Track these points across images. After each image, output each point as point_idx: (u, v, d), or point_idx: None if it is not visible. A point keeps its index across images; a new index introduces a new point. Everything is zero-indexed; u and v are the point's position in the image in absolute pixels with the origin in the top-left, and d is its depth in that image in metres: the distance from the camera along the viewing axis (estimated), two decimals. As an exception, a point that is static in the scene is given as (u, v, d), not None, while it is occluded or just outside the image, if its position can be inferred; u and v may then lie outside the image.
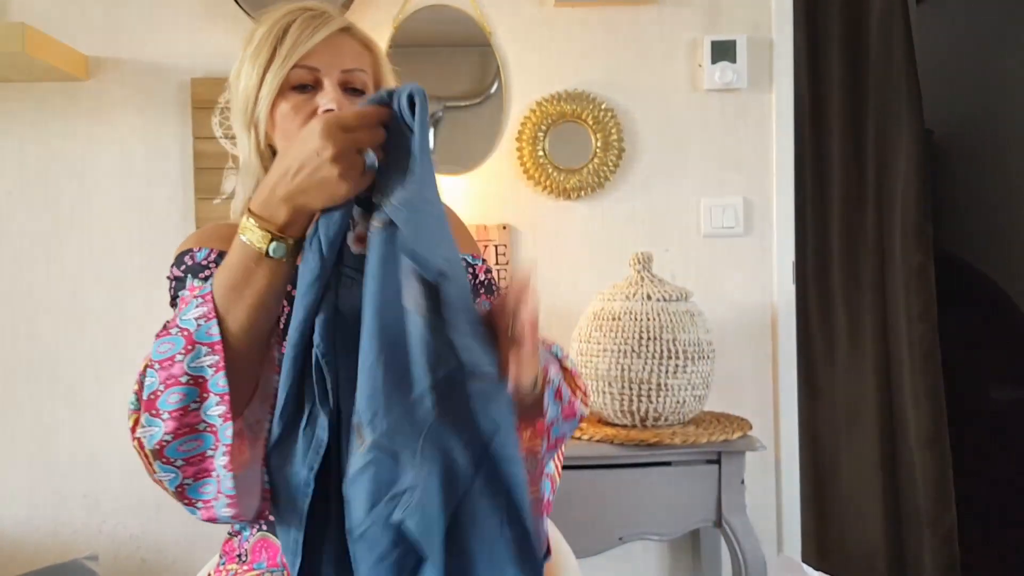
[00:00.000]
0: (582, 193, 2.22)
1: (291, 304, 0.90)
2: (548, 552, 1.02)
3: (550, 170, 2.21)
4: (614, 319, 1.86)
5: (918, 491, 2.35)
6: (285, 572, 1.01)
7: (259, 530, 1.06)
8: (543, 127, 2.21)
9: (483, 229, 2.20)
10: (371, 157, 0.87)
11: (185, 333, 0.87)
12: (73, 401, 2.17)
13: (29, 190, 2.17)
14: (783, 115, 2.25)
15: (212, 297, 0.88)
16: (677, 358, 1.82)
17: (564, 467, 1.33)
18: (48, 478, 2.18)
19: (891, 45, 2.37)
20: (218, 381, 0.86)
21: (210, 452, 0.88)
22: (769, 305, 2.27)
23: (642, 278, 1.92)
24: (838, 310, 2.41)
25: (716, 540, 2.18)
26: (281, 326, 0.96)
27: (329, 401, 0.87)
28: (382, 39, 2.17)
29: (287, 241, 0.87)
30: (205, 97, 2.14)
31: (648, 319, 1.84)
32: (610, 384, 1.85)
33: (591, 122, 2.21)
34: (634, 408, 1.85)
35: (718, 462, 1.87)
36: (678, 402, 1.85)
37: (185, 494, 0.91)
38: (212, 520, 0.92)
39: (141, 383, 0.91)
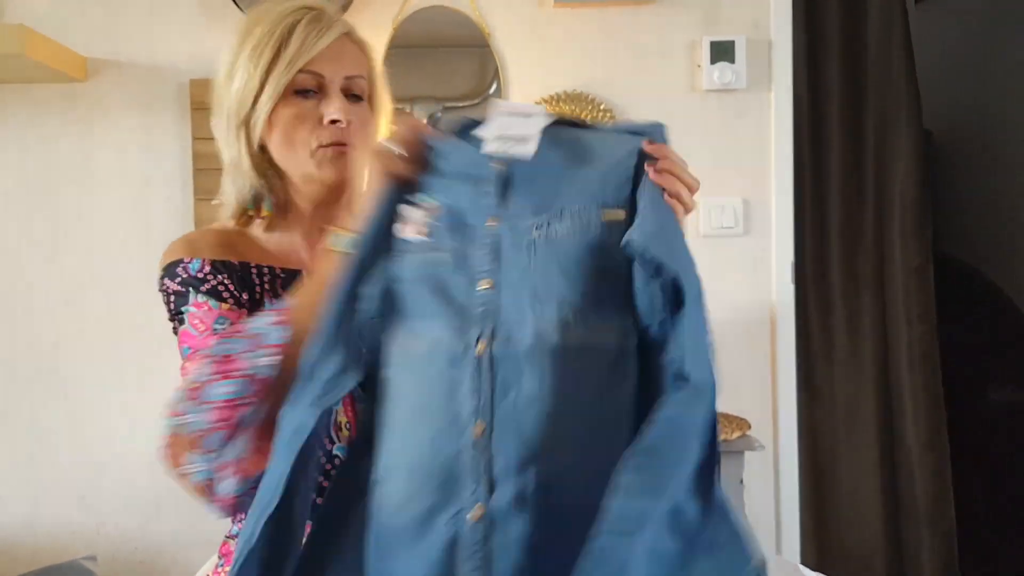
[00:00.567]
0: (581, 194, 2.22)
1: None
2: None
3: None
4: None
5: (917, 491, 2.35)
6: None
7: None
8: (542, 128, 2.20)
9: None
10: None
11: (253, 336, 0.90)
12: (72, 402, 2.17)
13: (28, 191, 2.17)
14: (782, 115, 2.25)
15: (290, 312, 0.91)
16: (676, 359, 1.82)
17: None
18: (47, 479, 2.18)
19: (890, 45, 2.37)
20: (276, 333, 0.89)
21: (242, 401, 0.88)
22: (768, 305, 2.27)
23: (641, 279, 1.92)
24: (837, 310, 2.41)
25: (715, 540, 2.18)
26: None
27: (360, 363, 0.87)
28: (381, 40, 2.17)
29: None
30: (204, 98, 2.12)
31: (647, 320, 1.84)
32: (609, 385, 1.84)
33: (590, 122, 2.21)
34: (633, 409, 1.84)
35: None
36: (677, 403, 1.84)
37: (212, 489, 0.89)
38: (228, 506, 0.91)
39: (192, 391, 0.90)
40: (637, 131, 0.91)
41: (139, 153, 2.18)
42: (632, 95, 2.24)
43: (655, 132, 0.91)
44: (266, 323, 0.91)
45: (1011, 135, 3.09)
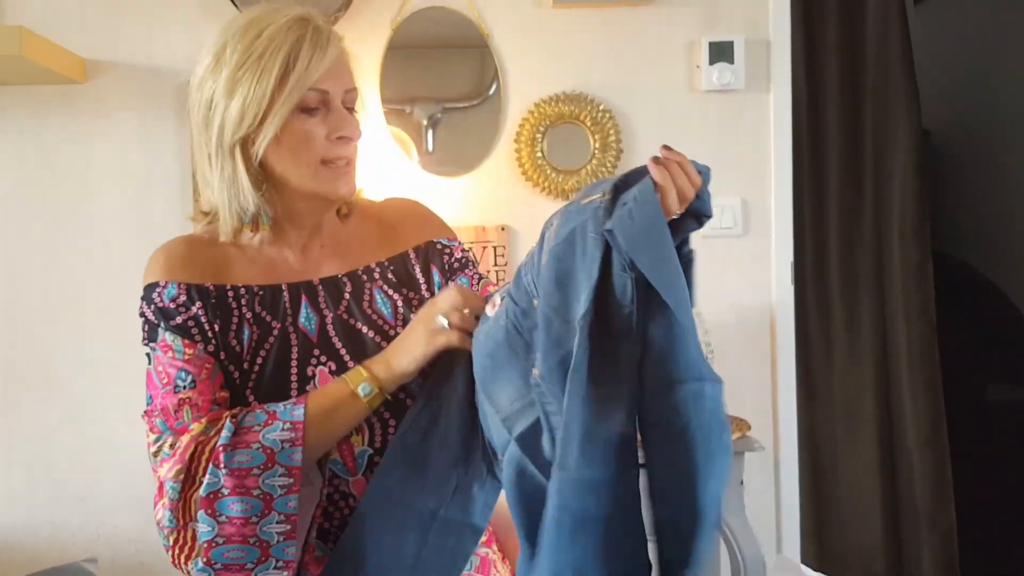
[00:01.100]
0: (580, 194, 2.22)
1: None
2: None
3: (548, 171, 2.22)
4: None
5: (916, 490, 2.35)
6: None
7: None
8: (541, 128, 2.21)
9: (481, 230, 2.20)
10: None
11: (268, 452, 0.94)
12: (71, 404, 2.17)
13: (27, 193, 2.17)
14: (781, 116, 2.25)
15: (304, 427, 0.96)
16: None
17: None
18: (47, 481, 2.18)
19: (888, 46, 2.37)
20: (287, 502, 0.94)
21: (250, 565, 0.94)
22: (767, 305, 2.27)
23: (641, 279, 1.92)
24: (836, 310, 2.41)
25: (715, 541, 2.19)
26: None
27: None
28: (380, 41, 2.17)
29: (377, 388, 0.99)
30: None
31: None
32: (609, 385, 1.85)
33: (589, 123, 2.21)
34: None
35: (717, 463, 1.87)
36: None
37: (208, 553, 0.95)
38: None
39: (185, 460, 0.95)
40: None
41: (138, 154, 2.17)
42: (631, 96, 2.24)
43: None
44: (280, 438, 0.95)
45: (1009, 135, 3.09)
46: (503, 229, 2.21)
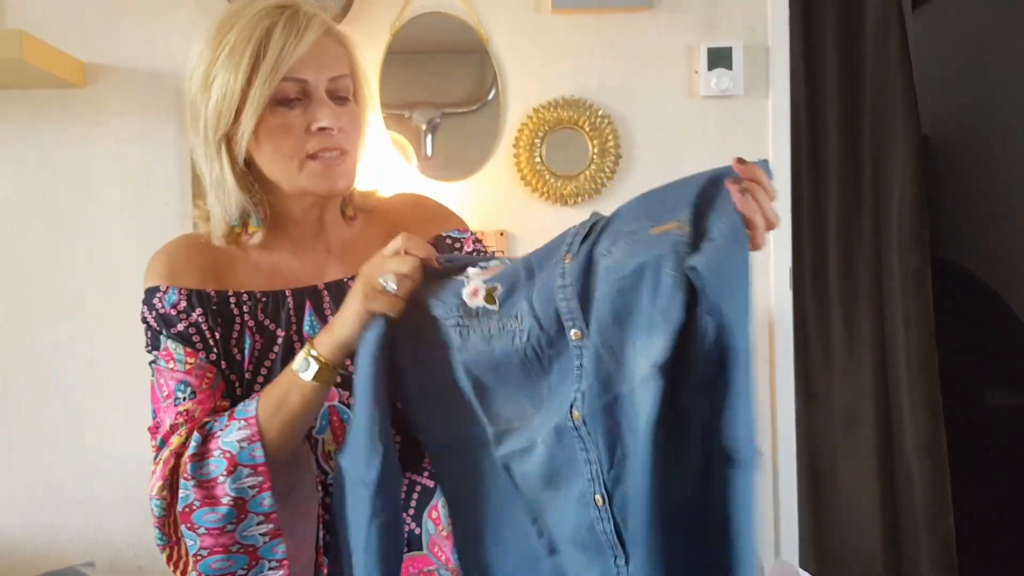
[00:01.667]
0: (579, 199, 2.22)
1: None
2: None
3: (547, 176, 2.22)
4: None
5: (915, 496, 2.35)
6: None
7: None
8: (540, 134, 2.21)
9: (480, 235, 2.19)
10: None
11: (227, 455, 0.90)
12: (71, 407, 2.17)
13: (27, 196, 2.17)
14: (779, 121, 2.25)
15: (257, 421, 0.91)
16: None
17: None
18: (45, 484, 2.17)
19: (887, 51, 2.38)
20: (262, 501, 0.90)
21: (241, 571, 0.92)
22: (766, 310, 2.27)
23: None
24: (835, 315, 2.41)
25: (714, 546, 2.18)
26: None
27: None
28: (379, 46, 2.17)
29: (319, 363, 0.91)
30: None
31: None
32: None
33: (588, 128, 2.22)
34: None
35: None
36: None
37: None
38: None
39: (166, 475, 0.93)
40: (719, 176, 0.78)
41: (138, 158, 2.18)
42: (630, 101, 2.24)
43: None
44: (236, 439, 0.90)
45: (1008, 140, 3.10)
46: (502, 234, 2.21)
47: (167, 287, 0.99)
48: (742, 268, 0.73)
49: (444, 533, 1.04)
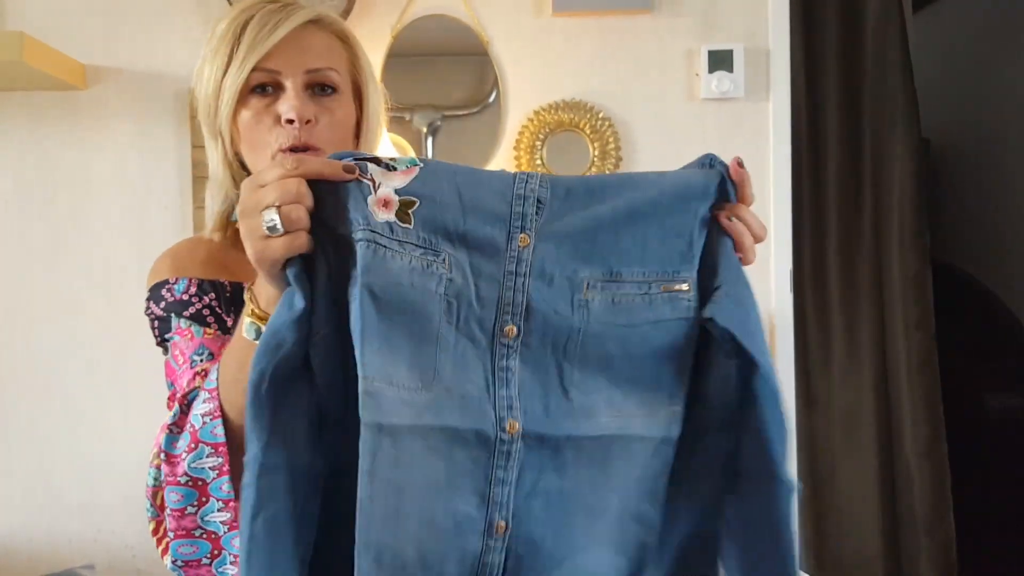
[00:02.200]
0: (579, 202, 2.22)
1: None
2: None
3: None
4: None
5: (916, 499, 2.35)
6: None
7: None
8: (541, 136, 2.21)
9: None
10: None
11: (191, 429, 0.82)
12: (70, 410, 2.17)
13: (27, 199, 2.17)
14: (780, 124, 2.25)
15: (218, 393, 0.81)
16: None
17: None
18: (44, 487, 2.17)
19: (887, 54, 2.38)
20: (221, 486, 0.81)
21: (205, 560, 0.84)
22: (767, 314, 2.27)
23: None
24: (835, 318, 2.40)
25: (714, 549, 2.18)
26: None
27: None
28: (380, 48, 2.17)
29: (264, 322, 0.76)
30: (196, 109, 2.14)
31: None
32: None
33: (588, 131, 2.21)
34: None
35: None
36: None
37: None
38: None
39: (158, 456, 0.86)
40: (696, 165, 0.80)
41: (138, 161, 2.18)
42: (630, 104, 2.24)
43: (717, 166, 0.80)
44: (201, 412, 0.82)
45: (1009, 144, 3.09)
46: (502, 236, 2.21)
47: (176, 278, 0.98)
48: (749, 298, 0.76)
49: None
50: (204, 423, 0.81)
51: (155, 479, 0.85)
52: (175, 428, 0.84)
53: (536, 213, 0.73)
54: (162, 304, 0.98)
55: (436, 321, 0.70)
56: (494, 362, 0.73)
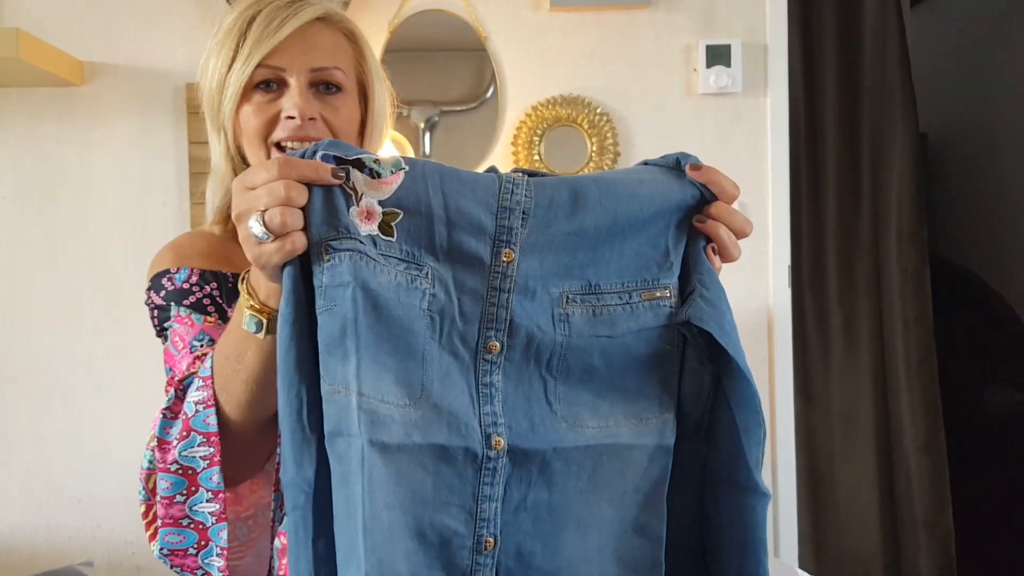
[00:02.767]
0: (577, 197, 2.22)
1: None
2: None
3: (540, 171, 2.21)
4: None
5: (914, 495, 2.35)
6: None
7: None
8: (538, 131, 2.21)
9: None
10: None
11: (184, 417, 0.80)
12: (68, 406, 2.17)
13: (24, 196, 2.17)
14: (778, 119, 2.25)
15: (212, 382, 0.80)
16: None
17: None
18: (43, 483, 2.17)
19: (885, 49, 2.38)
20: (211, 476, 0.79)
21: (192, 550, 0.82)
22: (765, 309, 2.27)
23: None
24: (833, 314, 2.41)
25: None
26: None
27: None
28: (378, 44, 2.17)
29: (265, 315, 0.75)
30: (200, 103, 2.14)
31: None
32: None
33: (586, 126, 2.21)
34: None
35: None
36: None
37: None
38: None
39: (153, 439, 0.84)
40: (668, 165, 0.78)
41: (136, 157, 2.17)
42: (628, 99, 2.24)
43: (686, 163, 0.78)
44: (194, 399, 0.80)
45: (1006, 138, 3.09)
46: (500, 232, 2.21)
47: (177, 268, 0.98)
48: (723, 300, 0.75)
49: None
50: (197, 411, 0.80)
51: (149, 461, 0.83)
52: (169, 413, 0.83)
53: (521, 226, 0.72)
54: (162, 293, 0.97)
55: (421, 337, 0.70)
56: (477, 378, 0.72)
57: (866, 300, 2.39)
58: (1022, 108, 3.02)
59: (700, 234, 0.77)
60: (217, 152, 1.00)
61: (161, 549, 0.82)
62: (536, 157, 2.21)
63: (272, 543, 0.94)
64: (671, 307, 0.75)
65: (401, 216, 0.69)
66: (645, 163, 0.80)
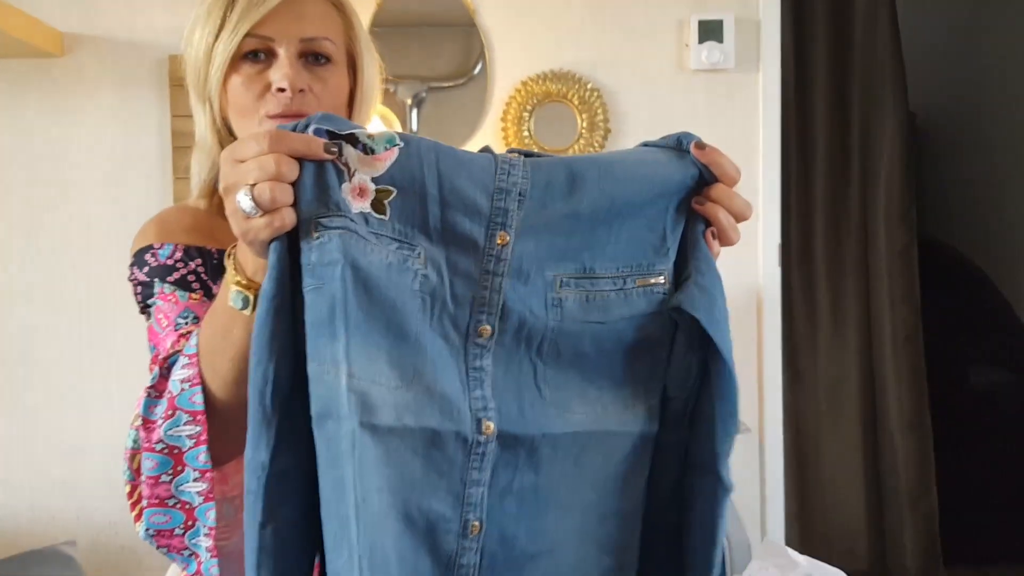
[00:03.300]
0: (567, 175, 2.20)
1: None
2: None
3: (535, 151, 2.19)
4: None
5: (899, 473, 2.37)
6: None
7: None
8: (528, 107, 2.18)
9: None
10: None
11: (169, 396, 0.78)
12: (51, 387, 2.14)
13: (2, 169, 2.13)
14: (770, 96, 2.23)
15: (198, 359, 0.78)
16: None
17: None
18: (26, 464, 2.15)
19: (876, 28, 2.37)
20: (198, 456, 0.78)
21: (179, 531, 0.81)
22: (754, 287, 2.27)
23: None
24: (822, 293, 2.41)
25: (700, 523, 2.19)
26: None
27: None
28: (364, 18, 2.13)
29: (251, 292, 0.73)
30: (183, 75, 2.10)
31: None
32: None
33: (577, 102, 2.19)
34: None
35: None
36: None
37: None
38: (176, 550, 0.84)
39: (138, 418, 0.82)
40: (669, 146, 0.76)
41: (117, 130, 2.14)
42: (619, 74, 2.21)
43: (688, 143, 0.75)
44: (180, 377, 0.78)
45: (994, 118, 3.10)
46: (489, 209, 2.19)
47: (161, 243, 0.96)
48: (718, 287, 0.74)
49: None
50: (182, 390, 0.78)
51: (134, 441, 0.81)
52: (154, 392, 0.81)
53: (517, 208, 0.70)
54: (146, 269, 0.95)
55: (413, 318, 0.68)
56: (467, 362, 0.71)
57: (854, 279, 2.40)
58: (1011, 89, 3.02)
59: (699, 217, 0.76)
60: (202, 124, 0.98)
61: (147, 530, 0.81)
62: (526, 134, 2.19)
63: None
64: (664, 294, 0.75)
65: (394, 194, 0.67)
66: (645, 144, 0.78)
